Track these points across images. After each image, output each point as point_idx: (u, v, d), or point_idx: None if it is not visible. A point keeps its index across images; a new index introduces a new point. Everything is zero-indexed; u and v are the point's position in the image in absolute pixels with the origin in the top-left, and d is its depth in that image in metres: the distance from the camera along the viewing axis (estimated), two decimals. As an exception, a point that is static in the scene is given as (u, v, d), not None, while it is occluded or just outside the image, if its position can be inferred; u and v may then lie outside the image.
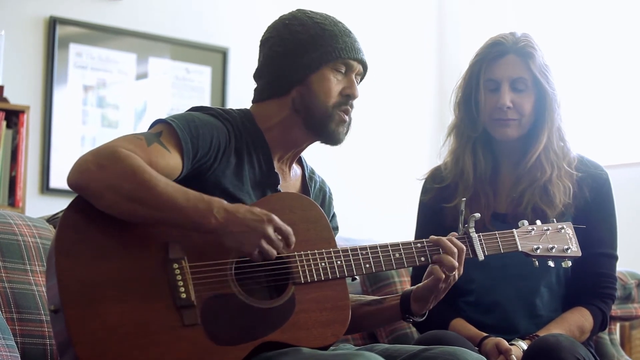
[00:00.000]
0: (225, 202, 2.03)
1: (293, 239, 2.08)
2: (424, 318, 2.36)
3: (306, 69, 2.27)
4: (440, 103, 5.89)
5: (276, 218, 2.05)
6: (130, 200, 1.98)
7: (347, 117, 2.31)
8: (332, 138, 2.31)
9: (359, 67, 2.32)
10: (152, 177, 2.00)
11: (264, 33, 2.37)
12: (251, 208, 2.05)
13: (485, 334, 2.58)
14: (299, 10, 2.36)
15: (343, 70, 2.30)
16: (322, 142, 2.34)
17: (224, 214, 2.01)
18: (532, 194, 2.66)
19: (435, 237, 2.29)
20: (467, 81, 2.73)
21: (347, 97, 2.30)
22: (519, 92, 2.66)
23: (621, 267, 2.94)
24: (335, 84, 2.28)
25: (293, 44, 2.28)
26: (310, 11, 2.35)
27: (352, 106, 2.32)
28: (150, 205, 1.99)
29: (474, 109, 2.71)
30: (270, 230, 2.04)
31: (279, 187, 2.30)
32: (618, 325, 3.26)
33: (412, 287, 2.36)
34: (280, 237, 2.06)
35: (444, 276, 2.25)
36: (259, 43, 2.37)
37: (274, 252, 2.06)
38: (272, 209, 2.15)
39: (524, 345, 2.52)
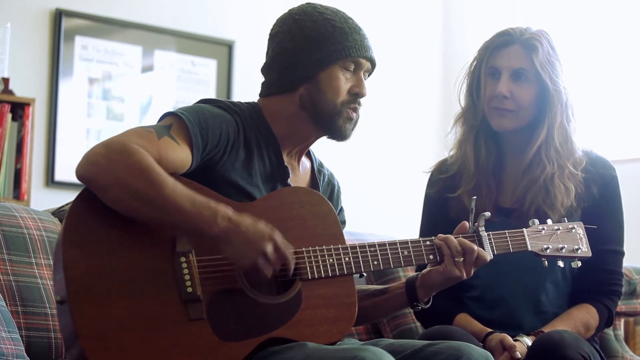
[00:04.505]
0: (231, 211, 2.02)
1: (292, 265, 2.07)
2: (429, 305, 2.36)
3: (315, 67, 2.26)
4: (446, 97, 5.88)
5: (279, 238, 2.04)
6: (135, 198, 1.97)
7: (355, 115, 2.30)
8: (339, 134, 2.30)
9: (367, 65, 2.31)
10: (160, 177, 1.99)
11: (273, 26, 2.35)
12: (256, 222, 2.03)
13: (490, 330, 2.58)
14: (308, 5, 2.34)
15: (352, 69, 2.29)
16: (329, 138, 2.34)
17: (228, 223, 2.00)
18: (535, 195, 2.65)
19: (443, 235, 2.29)
20: (472, 69, 2.74)
21: (356, 95, 2.29)
22: (519, 82, 2.65)
23: (626, 262, 2.93)
24: (344, 82, 2.27)
25: (303, 41, 2.26)
26: (320, 6, 2.33)
27: (359, 104, 2.31)
28: (155, 205, 1.98)
29: (475, 96, 2.71)
30: (269, 249, 2.02)
31: (288, 180, 2.30)
32: (622, 320, 3.26)
33: (418, 274, 2.35)
34: (277, 259, 2.04)
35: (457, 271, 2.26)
36: (267, 36, 2.36)
37: (269, 272, 2.04)
38: (283, 203, 2.15)
39: (528, 341, 2.52)
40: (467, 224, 2.34)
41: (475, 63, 2.73)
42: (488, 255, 2.30)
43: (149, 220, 2.01)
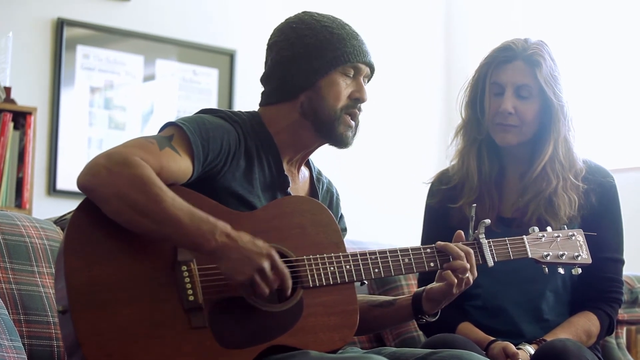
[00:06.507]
0: (230, 227, 2.02)
1: (289, 283, 2.06)
2: (436, 317, 2.36)
3: (315, 74, 2.26)
4: (448, 105, 5.89)
5: (277, 256, 2.03)
6: (135, 211, 1.98)
7: (353, 122, 2.30)
8: (340, 141, 2.30)
9: (366, 70, 2.32)
10: (160, 191, 1.99)
11: (271, 36, 2.36)
12: (254, 239, 2.03)
13: (492, 338, 2.58)
14: (305, 13, 2.34)
15: (351, 74, 2.29)
16: (330, 145, 2.34)
17: (225, 238, 2.00)
18: (537, 205, 2.66)
19: (443, 242, 2.29)
20: (474, 83, 2.75)
21: (356, 100, 2.30)
22: (523, 99, 2.66)
23: (629, 271, 2.93)
24: (344, 87, 2.28)
25: (301, 49, 2.27)
26: (317, 14, 2.34)
27: (360, 109, 2.32)
28: (154, 219, 1.98)
29: (479, 111, 2.72)
30: (267, 265, 2.01)
31: (288, 189, 2.30)
32: (625, 329, 3.26)
33: (424, 288, 2.35)
34: (275, 277, 2.03)
35: (456, 280, 2.25)
36: (265, 46, 2.37)
37: (266, 290, 2.03)
38: (283, 212, 2.15)
39: (531, 349, 2.52)
40: (462, 233, 2.34)
41: (477, 77, 2.73)
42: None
43: (148, 233, 2.01)
